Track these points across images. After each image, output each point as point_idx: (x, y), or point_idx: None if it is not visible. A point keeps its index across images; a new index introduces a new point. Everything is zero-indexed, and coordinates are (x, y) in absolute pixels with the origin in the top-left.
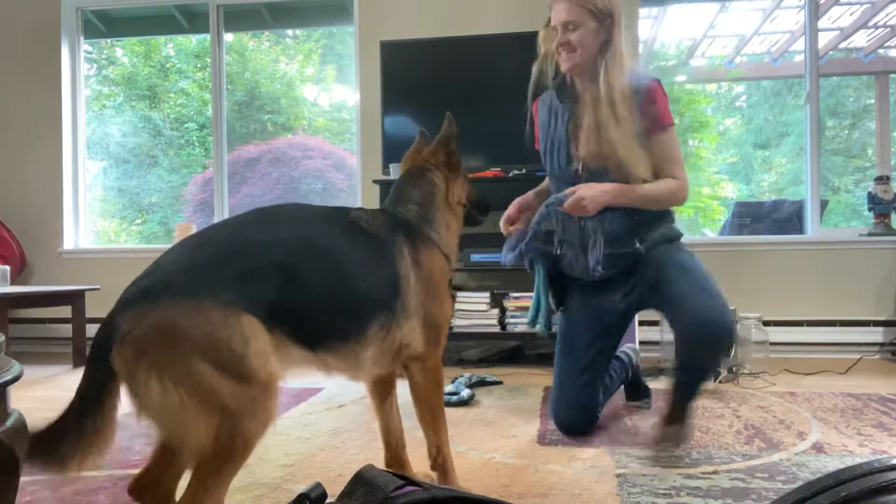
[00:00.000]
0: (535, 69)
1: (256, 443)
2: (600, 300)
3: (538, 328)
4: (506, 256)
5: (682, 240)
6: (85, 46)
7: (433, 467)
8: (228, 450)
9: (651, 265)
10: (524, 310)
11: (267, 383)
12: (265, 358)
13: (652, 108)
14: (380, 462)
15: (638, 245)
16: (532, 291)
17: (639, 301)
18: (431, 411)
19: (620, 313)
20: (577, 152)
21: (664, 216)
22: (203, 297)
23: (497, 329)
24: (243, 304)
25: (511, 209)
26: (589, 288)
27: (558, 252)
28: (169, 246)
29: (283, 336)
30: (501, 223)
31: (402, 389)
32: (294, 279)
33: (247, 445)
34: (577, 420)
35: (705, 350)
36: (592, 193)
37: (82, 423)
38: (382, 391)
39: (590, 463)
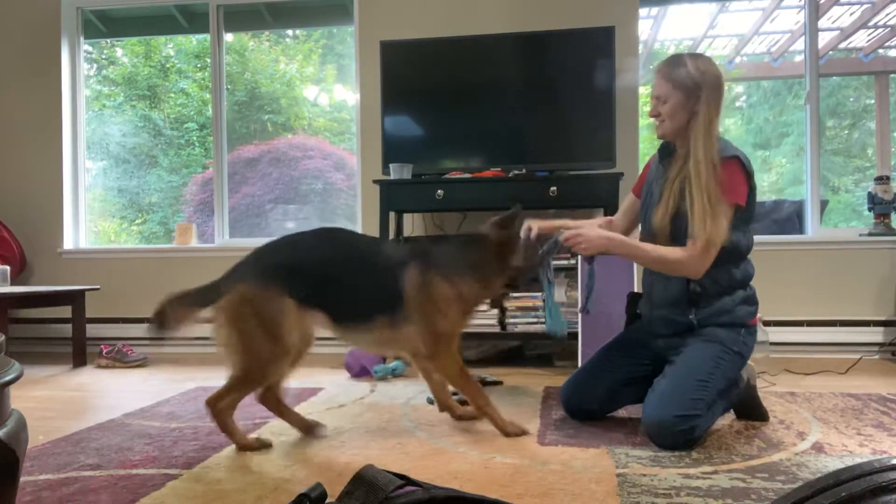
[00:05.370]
0: None
1: (266, 383)
2: (649, 338)
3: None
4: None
5: None
6: (85, 46)
7: (478, 411)
8: (251, 380)
9: (695, 336)
10: (524, 310)
11: (286, 348)
12: (294, 331)
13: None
14: (383, 458)
15: (692, 317)
16: (531, 291)
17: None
18: (461, 389)
19: (657, 353)
20: (654, 212)
21: (730, 293)
22: (267, 283)
23: (497, 329)
24: (287, 291)
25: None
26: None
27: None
28: (169, 246)
29: (319, 313)
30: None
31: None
32: (324, 279)
33: (261, 381)
34: (570, 394)
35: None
36: (591, 236)
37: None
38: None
39: (590, 463)
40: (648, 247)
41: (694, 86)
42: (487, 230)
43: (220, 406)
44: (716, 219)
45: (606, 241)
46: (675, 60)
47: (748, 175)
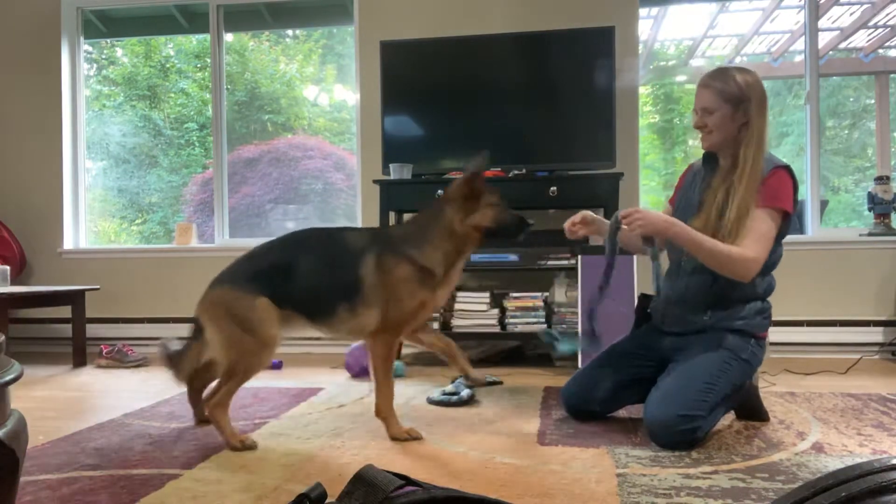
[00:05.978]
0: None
1: (253, 374)
2: (656, 338)
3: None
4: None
5: None
6: (85, 46)
7: (376, 415)
8: (237, 372)
9: (704, 339)
10: (524, 310)
11: (264, 339)
12: (267, 323)
13: (764, 188)
14: (383, 458)
15: (706, 318)
16: (531, 291)
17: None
18: (376, 379)
19: (662, 354)
20: (694, 221)
21: (750, 302)
22: (237, 286)
23: (497, 329)
24: (260, 291)
25: (577, 216)
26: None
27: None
28: (169, 246)
29: (291, 311)
30: (566, 225)
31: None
32: (289, 279)
33: (247, 372)
34: (572, 394)
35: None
36: (651, 214)
37: (190, 344)
38: (417, 336)
39: (590, 463)
40: (708, 238)
41: (742, 98)
42: (449, 191)
43: (214, 400)
44: (766, 225)
45: (666, 223)
46: (722, 74)
47: (795, 187)
